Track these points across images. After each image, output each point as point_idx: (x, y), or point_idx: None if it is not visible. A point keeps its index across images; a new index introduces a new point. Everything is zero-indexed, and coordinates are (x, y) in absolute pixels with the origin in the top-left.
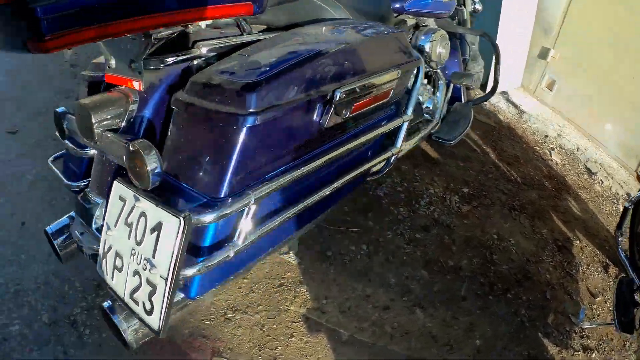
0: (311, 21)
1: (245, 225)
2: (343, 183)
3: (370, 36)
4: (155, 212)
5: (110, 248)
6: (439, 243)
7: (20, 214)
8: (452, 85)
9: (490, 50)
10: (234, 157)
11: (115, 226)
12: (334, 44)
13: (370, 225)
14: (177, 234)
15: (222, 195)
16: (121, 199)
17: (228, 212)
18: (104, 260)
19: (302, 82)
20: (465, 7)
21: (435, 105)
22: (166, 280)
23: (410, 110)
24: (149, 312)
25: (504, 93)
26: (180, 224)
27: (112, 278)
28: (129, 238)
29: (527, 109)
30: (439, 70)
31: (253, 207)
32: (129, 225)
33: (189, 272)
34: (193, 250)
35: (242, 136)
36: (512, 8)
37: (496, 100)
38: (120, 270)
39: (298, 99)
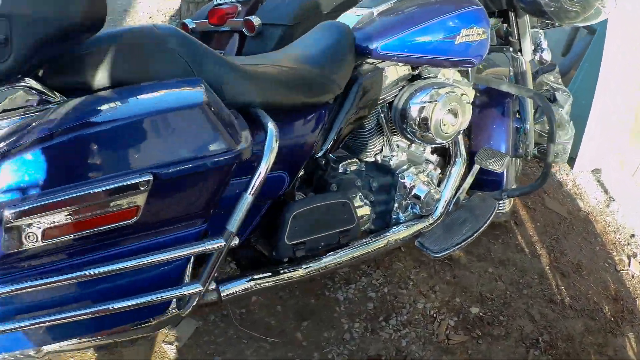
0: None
1: None
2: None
3: (111, 116)
4: None
5: None
6: None
7: None
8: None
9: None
10: None
11: None
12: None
13: (297, 338)
14: None
15: None
16: None
17: None
18: None
19: None
20: (522, 54)
21: (431, 195)
22: None
23: (231, 229)
24: None
25: (596, 171)
26: None
27: None
28: None
29: (619, 196)
30: (460, 143)
31: None
32: None
33: None
34: None
35: None
36: (616, 64)
37: (584, 180)
38: None
39: None
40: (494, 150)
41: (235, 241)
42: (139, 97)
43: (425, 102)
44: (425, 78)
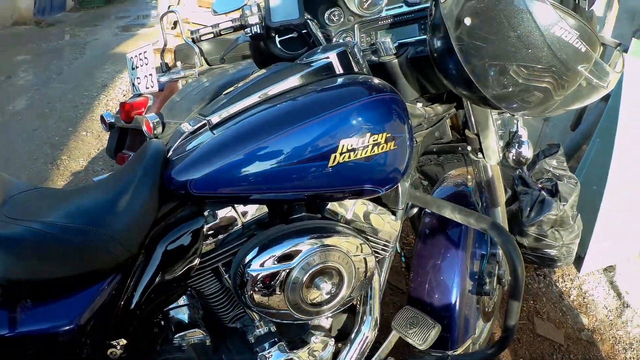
0: None
1: None
2: None
3: None
4: None
5: None
6: None
7: None
8: None
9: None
10: None
11: None
12: None
13: None
14: None
15: None
16: None
17: None
18: None
19: None
20: (485, 156)
21: None
22: None
23: None
24: None
25: (609, 270)
26: None
27: None
28: None
29: (636, 299)
30: (374, 298)
31: None
32: None
33: None
34: None
35: None
36: (634, 136)
37: (592, 285)
38: None
39: None
40: (419, 314)
41: None
42: None
43: (269, 268)
44: (292, 219)
